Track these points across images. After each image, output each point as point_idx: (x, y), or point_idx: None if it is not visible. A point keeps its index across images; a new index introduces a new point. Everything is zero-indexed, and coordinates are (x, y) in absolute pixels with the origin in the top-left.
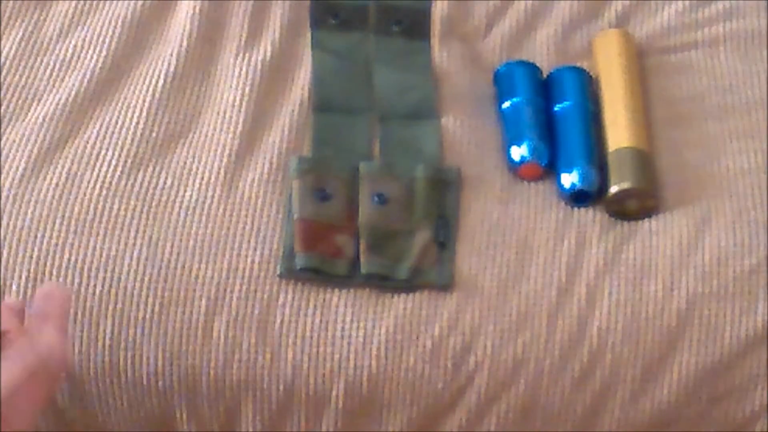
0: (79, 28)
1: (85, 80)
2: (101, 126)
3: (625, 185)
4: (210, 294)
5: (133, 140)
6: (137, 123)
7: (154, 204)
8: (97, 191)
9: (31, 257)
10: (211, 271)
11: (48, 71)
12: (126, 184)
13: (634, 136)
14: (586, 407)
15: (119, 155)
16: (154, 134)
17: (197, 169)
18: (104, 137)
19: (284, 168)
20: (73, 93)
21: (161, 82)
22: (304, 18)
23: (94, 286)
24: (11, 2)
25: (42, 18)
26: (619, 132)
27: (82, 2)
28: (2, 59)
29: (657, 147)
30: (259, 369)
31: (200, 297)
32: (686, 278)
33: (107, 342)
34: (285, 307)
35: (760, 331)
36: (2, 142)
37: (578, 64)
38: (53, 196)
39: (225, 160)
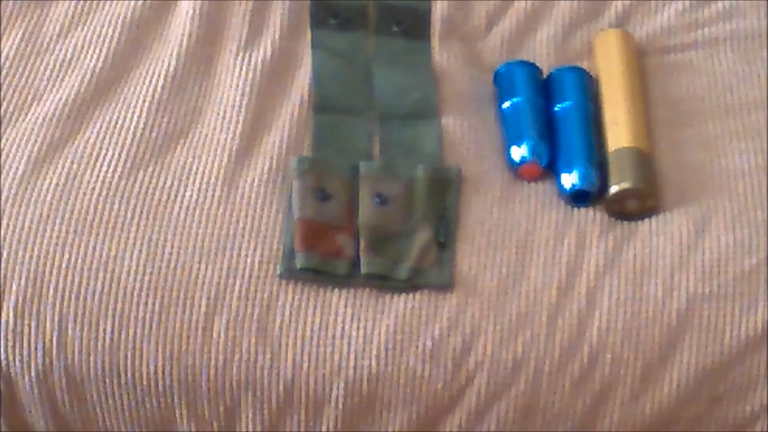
0: (79, 28)
1: (85, 80)
2: (101, 126)
3: (625, 185)
4: (210, 294)
5: (133, 140)
6: (137, 123)
7: (154, 204)
8: (97, 191)
9: (31, 257)
10: (211, 271)
11: (48, 71)
12: (126, 184)
13: (634, 136)
14: (586, 407)
15: (119, 155)
16: (154, 134)
17: (197, 169)
18: (104, 137)
19: (284, 168)
20: (73, 93)
21: (161, 82)
22: (304, 18)
23: (94, 286)
24: (11, 2)
25: (42, 18)
26: (619, 132)
27: (82, 2)
28: (2, 59)
29: (657, 147)
30: (259, 369)
31: (200, 297)
32: (686, 278)
33: (107, 342)
34: (285, 307)
35: (760, 331)
36: (2, 142)
37: (578, 64)
38: (53, 196)
39: (225, 160)
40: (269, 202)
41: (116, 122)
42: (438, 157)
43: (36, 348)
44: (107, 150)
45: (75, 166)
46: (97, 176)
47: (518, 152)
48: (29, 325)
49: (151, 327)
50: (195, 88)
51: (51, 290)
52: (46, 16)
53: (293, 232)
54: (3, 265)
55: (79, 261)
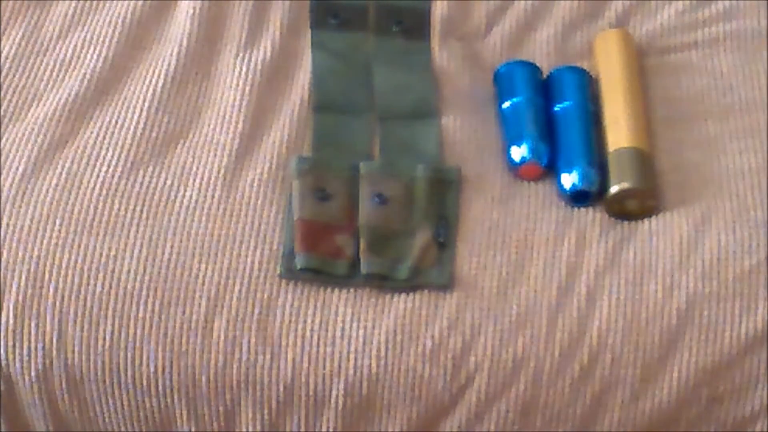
0: (79, 28)
1: (85, 80)
2: (101, 126)
3: (625, 185)
4: (210, 294)
5: (133, 140)
6: (137, 123)
7: (154, 204)
8: (97, 191)
9: (31, 257)
10: (211, 271)
11: (48, 71)
12: (126, 184)
13: (634, 136)
14: (586, 407)
15: (119, 155)
16: (154, 134)
17: (197, 169)
18: (104, 137)
19: (284, 168)
20: (73, 93)
21: (161, 82)
22: (304, 18)
23: (94, 286)
24: (11, 2)
25: (42, 18)
26: (619, 132)
27: (82, 2)
28: (2, 59)
29: (657, 147)
30: (258, 369)
31: (200, 297)
32: (686, 278)
33: (107, 342)
34: (285, 307)
35: (760, 331)
36: (2, 142)
37: (578, 64)
38: (53, 196)
39: (225, 160)
40: (269, 202)
41: (116, 122)
42: (438, 157)
43: (36, 348)
44: (107, 150)
45: (75, 166)
46: (97, 176)
47: (518, 152)
48: (29, 325)
49: (151, 327)
50: (195, 88)
51: (51, 290)
52: (46, 16)
53: (293, 232)
54: (3, 265)
55: (79, 261)
